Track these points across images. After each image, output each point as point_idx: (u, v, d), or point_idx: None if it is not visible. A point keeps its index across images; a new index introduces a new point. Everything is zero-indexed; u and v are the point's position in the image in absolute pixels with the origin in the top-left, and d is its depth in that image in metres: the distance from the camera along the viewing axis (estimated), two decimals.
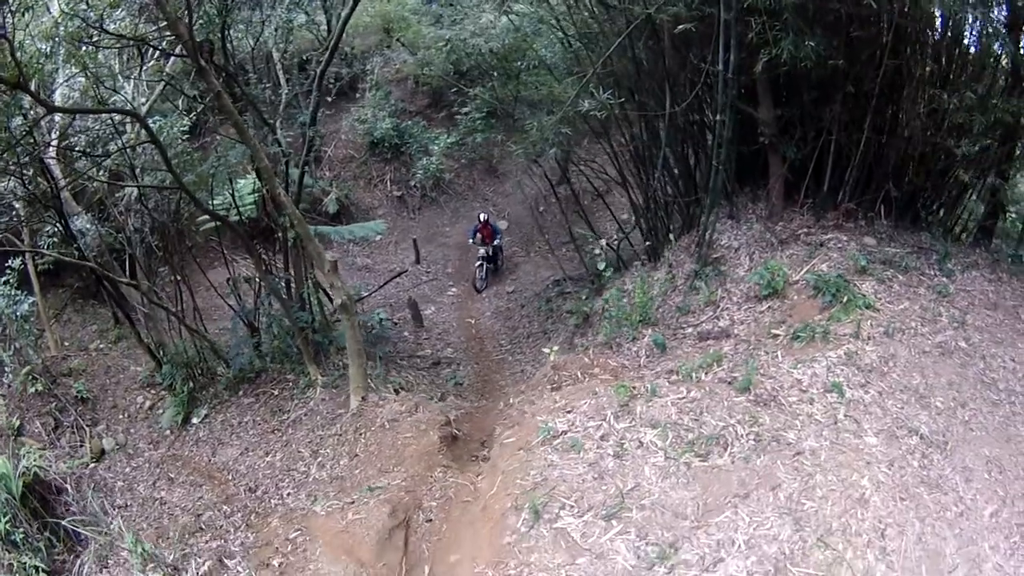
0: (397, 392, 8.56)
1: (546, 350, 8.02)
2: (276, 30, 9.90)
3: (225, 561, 6.41)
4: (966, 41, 8.01)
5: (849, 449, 5.35)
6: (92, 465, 8.22)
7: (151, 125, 8.09)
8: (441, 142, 15.17)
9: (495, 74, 11.00)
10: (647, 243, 9.97)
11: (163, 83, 8.77)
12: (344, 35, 15.12)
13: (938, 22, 7.85)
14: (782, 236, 8.37)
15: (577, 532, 5.01)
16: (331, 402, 8.60)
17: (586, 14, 9.58)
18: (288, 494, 7.46)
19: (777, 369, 6.33)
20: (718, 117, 7.95)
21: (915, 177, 8.36)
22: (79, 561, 6.41)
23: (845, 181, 8.28)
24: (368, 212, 15.49)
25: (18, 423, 8.15)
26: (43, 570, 5.94)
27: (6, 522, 6.05)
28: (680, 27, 7.21)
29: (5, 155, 6.86)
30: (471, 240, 14.38)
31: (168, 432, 8.92)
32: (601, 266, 9.72)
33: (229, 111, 7.05)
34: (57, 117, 8.63)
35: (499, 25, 10.66)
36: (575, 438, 5.83)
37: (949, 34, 8.04)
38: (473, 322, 12.93)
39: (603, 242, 9.66)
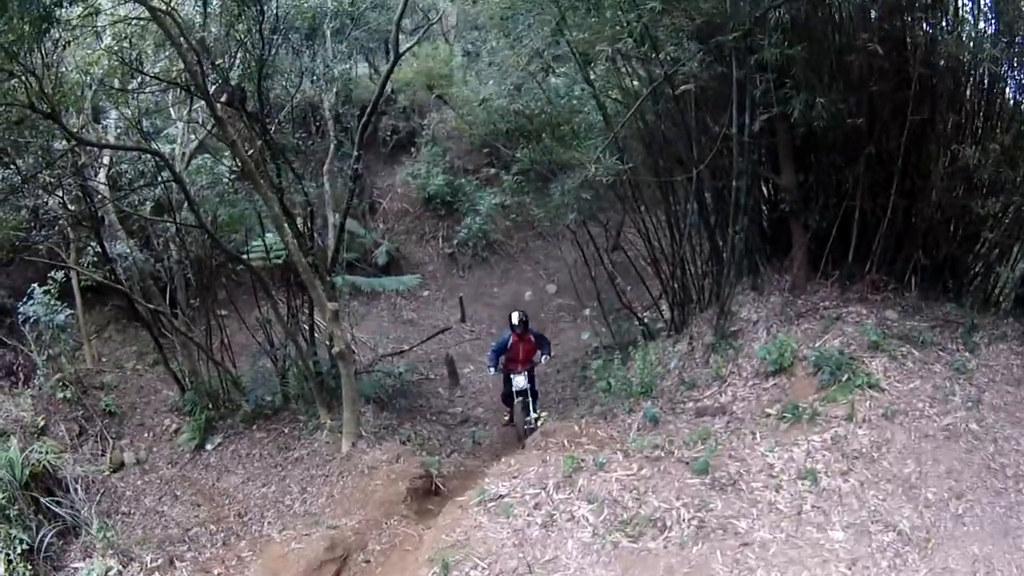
0: (382, 441, 8.69)
1: (533, 415, 7.79)
2: (314, 80, 10.30)
3: (176, 563, 6.95)
4: (999, 94, 7.37)
5: (807, 544, 4.82)
6: (108, 474, 8.65)
7: (197, 162, 8.70)
8: (486, 202, 14.96)
9: (528, 136, 10.84)
10: (670, 314, 9.57)
11: (211, 125, 9.36)
12: (394, 91, 15.39)
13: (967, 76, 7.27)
14: (802, 309, 7.81)
15: None
16: (333, 445, 8.79)
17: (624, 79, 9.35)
18: (268, 523, 7.78)
19: (751, 451, 5.85)
20: (735, 183, 7.65)
21: (945, 243, 7.63)
22: (64, 545, 6.94)
23: (872, 250, 7.67)
24: (418, 267, 15.38)
25: (42, 423, 8.55)
26: (26, 542, 6.47)
27: (2, 497, 6.60)
28: (681, 88, 7.04)
29: (46, 173, 7.50)
30: (491, 367, 9.30)
31: (185, 454, 9.35)
32: (584, 335, 9.29)
33: (244, 160, 7.42)
34: None
35: (533, 89, 10.45)
36: (509, 503, 5.64)
37: (981, 87, 7.45)
38: None
39: (587, 311, 9.20)
